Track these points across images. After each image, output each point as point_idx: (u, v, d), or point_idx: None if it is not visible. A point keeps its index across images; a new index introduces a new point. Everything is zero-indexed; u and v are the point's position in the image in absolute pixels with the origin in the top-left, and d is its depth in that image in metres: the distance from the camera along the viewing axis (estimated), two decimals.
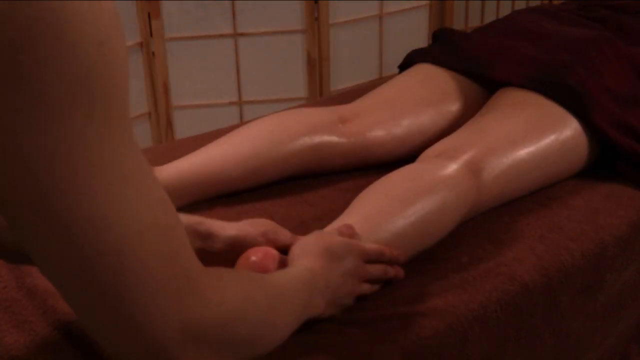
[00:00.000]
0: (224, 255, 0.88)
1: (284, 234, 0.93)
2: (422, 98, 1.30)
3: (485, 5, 2.56)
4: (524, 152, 1.12)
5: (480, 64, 1.33)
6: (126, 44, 0.51)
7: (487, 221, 1.10)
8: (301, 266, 0.81)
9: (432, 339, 0.89)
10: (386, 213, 0.98)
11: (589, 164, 1.23)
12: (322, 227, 1.04)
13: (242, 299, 0.61)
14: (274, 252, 0.88)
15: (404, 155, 1.24)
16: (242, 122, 1.65)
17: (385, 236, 0.96)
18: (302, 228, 1.11)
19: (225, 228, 0.88)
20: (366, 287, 0.90)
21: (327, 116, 1.24)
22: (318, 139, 1.20)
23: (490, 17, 2.54)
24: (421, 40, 2.40)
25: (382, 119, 1.25)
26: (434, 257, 1.01)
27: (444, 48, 1.41)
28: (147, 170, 0.52)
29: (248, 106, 2.25)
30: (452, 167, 1.06)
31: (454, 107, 1.30)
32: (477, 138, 1.13)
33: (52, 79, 0.44)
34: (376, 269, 0.91)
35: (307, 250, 0.85)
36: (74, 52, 0.45)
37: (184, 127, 2.18)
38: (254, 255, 0.86)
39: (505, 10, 2.52)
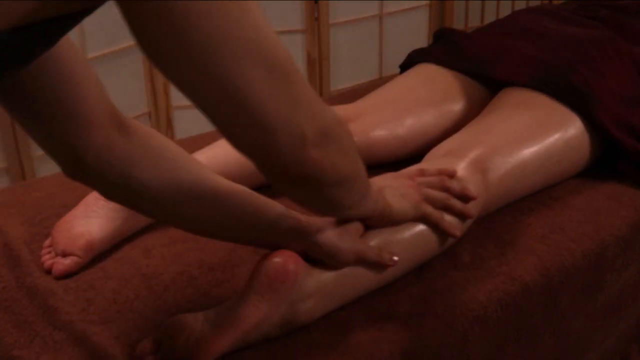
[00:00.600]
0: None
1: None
2: (424, 98, 1.30)
3: (485, 5, 2.56)
4: (529, 151, 1.12)
5: (482, 64, 1.33)
6: None
7: (489, 221, 1.10)
8: (374, 182, 0.90)
9: (432, 339, 0.89)
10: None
11: (591, 163, 1.23)
12: None
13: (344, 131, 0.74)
14: (297, 256, 0.88)
15: (406, 156, 1.24)
16: None
17: (401, 235, 0.95)
18: None
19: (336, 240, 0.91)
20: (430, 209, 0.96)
21: None
22: None
23: (490, 17, 2.54)
24: (421, 40, 2.40)
25: (385, 119, 1.25)
26: (435, 257, 1.01)
27: (445, 48, 1.41)
28: (265, 20, 0.61)
29: None
30: (460, 167, 1.06)
31: (456, 107, 1.30)
32: (483, 137, 1.13)
33: None
34: (432, 180, 0.99)
35: (378, 180, 0.96)
36: None
37: (184, 127, 2.18)
38: (278, 257, 0.86)
39: (505, 10, 2.52)
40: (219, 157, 1.16)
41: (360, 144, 1.22)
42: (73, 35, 0.72)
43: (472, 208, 1.00)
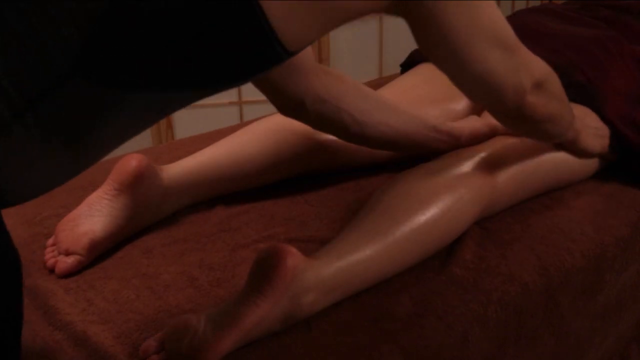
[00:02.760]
0: None
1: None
2: (426, 97, 1.30)
3: None
4: (536, 152, 1.12)
5: None
6: None
7: (489, 221, 1.10)
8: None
9: (432, 339, 0.89)
10: (404, 212, 0.98)
11: (600, 164, 1.22)
12: (322, 227, 1.04)
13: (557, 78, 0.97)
14: (296, 252, 0.88)
15: (407, 154, 1.24)
16: (242, 122, 1.65)
17: (404, 234, 0.96)
18: (302, 228, 1.11)
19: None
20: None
21: None
22: (322, 138, 1.20)
23: None
24: None
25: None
26: (436, 256, 1.02)
27: None
28: (499, 12, 0.81)
29: (248, 106, 2.25)
30: (467, 166, 1.06)
31: (458, 106, 1.30)
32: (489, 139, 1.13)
33: None
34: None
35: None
36: None
37: (184, 127, 2.18)
38: (275, 253, 0.86)
39: (505, 10, 2.52)
40: (219, 157, 1.17)
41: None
42: None
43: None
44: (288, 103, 1.01)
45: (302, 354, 0.85)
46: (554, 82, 0.95)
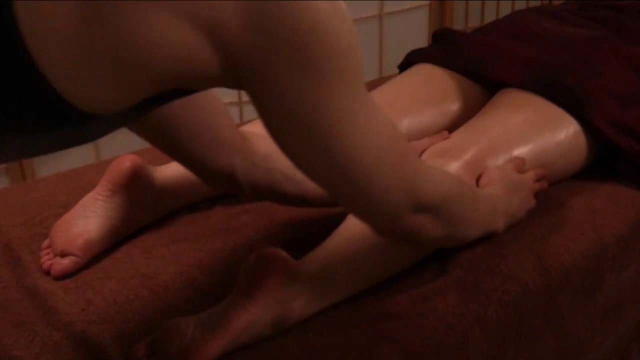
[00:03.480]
0: None
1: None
2: (422, 98, 1.30)
3: (485, 5, 2.56)
4: (524, 152, 1.13)
5: (480, 64, 1.33)
6: None
7: None
8: (488, 190, 1.02)
9: (432, 339, 0.89)
10: None
11: (588, 164, 1.23)
12: (322, 227, 1.04)
13: (456, 185, 0.88)
14: (285, 255, 0.88)
15: None
16: (242, 122, 1.65)
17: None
18: (302, 228, 1.11)
19: None
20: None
21: None
22: None
23: (490, 17, 2.54)
24: (421, 40, 2.40)
25: None
26: (435, 256, 1.01)
27: (444, 48, 1.41)
28: (377, 108, 0.73)
29: (248, 106, 2.24)
30: (454, 167, 1.06)
31: (454, 106, 1.30)
32: (479, 138, 1.13)
33: (327, 64, 0.63)
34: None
35: (492, 181, 1.04)
36: (341, 42, 0.64)
37: None
38: (264, 257, 0.87)
39: (505, 10, 2.52)
40: None
41: None
42: None
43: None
44: (218, 176, 0.93)
45: (300, 354, 0.85)
46: (454, 204, 0.86)
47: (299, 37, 0.61)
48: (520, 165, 1.10)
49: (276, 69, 0.62)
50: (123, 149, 1.25)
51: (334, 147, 0.68)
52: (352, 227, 0.97)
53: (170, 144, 0.89)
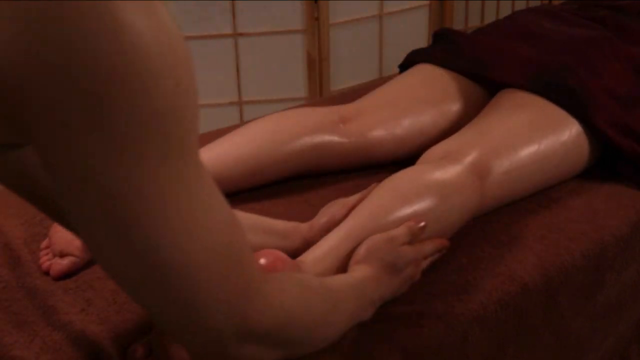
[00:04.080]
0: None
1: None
2: (422, 98, 1.30)
3: (485, 5, 2.56)
4: (526, 154, 1.13)
5: (481, 64, 1.33)
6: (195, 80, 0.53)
7: (488, 222, 1.10)
8: (359, 275, 0.87)
9: (432, 339, 0.89)
10: (393, 215, 0.98)
11: (590, 165, 1.23)
12: None
13: (300, 304, 0.68)
14: (284, 256, 0.88)
15: (405, 155, 1.24)
16: (242, 122, 1.65)
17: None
18: None
19: (302, 227, 1.00)
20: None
21: (327, 116, 1.24)
22: (319, 138, 1.20)
23: (490, 17, 2.54)
24: (421, 40, 2.40)
25: (383, 119, 1.25)
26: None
27: (444, 48, 1.41)
28: (215, 194, 0.58)
29: (248, 106, 2.25)
30: (457, 170, 1.06)
31: (454, 107, 1.30)
32: (480, 140, 1.13)
33: (130, 126, 0.47)
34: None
35: (370, 259, 0.90)
36: (151, 97, 0.47)
37: None
38: (264, 258, 0.86)
39: (505, 10, 2.52)
40: (218, 157, 1.17)
41: (358, 144, 1.22)
42: None
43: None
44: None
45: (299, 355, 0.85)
46: (298, 328, 0.68)
47: (93, 79, 0.45)
48: (416, 232, 0.94)
49: (62, 120, 0.46)
50: None
51: (139, 242, 0.51)
52: (351, 225, 0.98)
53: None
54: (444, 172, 1.05)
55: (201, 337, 0.59)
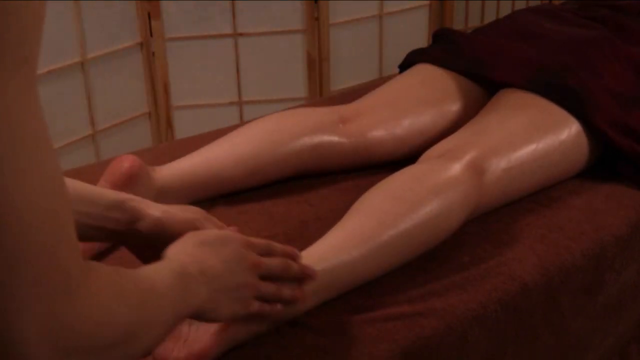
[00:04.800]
0: (148, 237, 0.84)
1: (211, 224, 0.89)
2: (422, 98, 1.30)
3: (485, 5, 2.56)
4: (525, 152, 1.13)
5: (481, 64, 1.33)
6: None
7: (488, 221, 1.10)
8: (169, 259, 0.73)
9: (432, 339, 0.89)
10: (392, 214, 0.98)
11: (589, 164, 1.23)
12: (322, 227, 1.04)
13: (115, 300, 0.55)
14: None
15: (405, 155, 1.24)
16: (242, 122, 1.65)
17: (390, 237, 0.96)
18: (302, 228, 1.11)
19: (151, 208, 0.86)
20: (269, 290, 0.81)
21: (327, 116, 1.24)
22: (318, 138, 1.20)
23: (490, 17, 2.54)
24: (421, 40, 2.40)
25: (383, 119, 1.25)
26: (435, 257, 1.01)
27: (444, 48, 1.41)
28: (43, 139, 0.45)
29: (248, 106, 2.25)
30: (455, 168, 1.06)
31: (454, 107, 1.30)
32: (479, 139, 1.13)
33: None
34: (274, 265, 0.82)
35: (179, 246, 0.76)
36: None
37: (184, 127, 2.18)
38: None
39: (505, 10, 2.52)
40: (217, 157, 1.17)
41: (358, 144, 1.22)
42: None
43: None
44: None
45: (299, 354, 0.85)
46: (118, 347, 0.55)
47: None
48: (265, 249, 0.82)
49: None
50: (123, 149, 1.25)
51: None
52: (349, 227, 0.98)
53: None
54: (442, 170, 1.06)
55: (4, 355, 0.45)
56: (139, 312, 0.59)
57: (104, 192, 0.85)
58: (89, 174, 1.29)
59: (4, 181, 0.42)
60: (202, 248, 0.75)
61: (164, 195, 1.11)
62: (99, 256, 1.04)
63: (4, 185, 0.42)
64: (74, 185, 0.81)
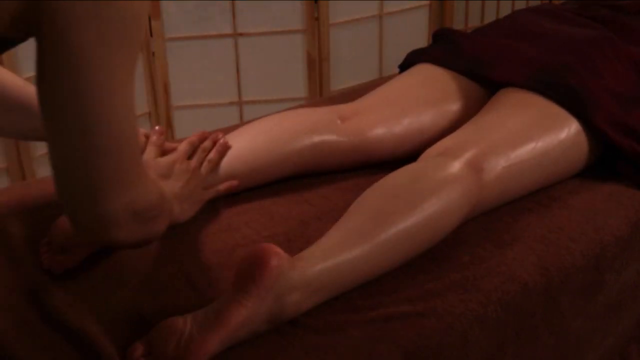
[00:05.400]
0: None
1: (150, 147, 1.12)
2: (422, 97, 1.30)
3: (485, 5, 2.56)
4: (525, 151, 1.13)
5: (481, 64, 1.33)
6: None
7: (488, 221, 1.10)
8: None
9: (432, 339, 0.89)
10: (391, 213, 0.98)
11: (589, 164, 1.23)
12: (322, 226, 1.04)
13: (157, 186, 0.84)
14: (278, 249, 0.88)
15: (404, 154, 1.24)
16: (242, 122, 1.65)
17: (390, 235, 0.96)
18: (302, 228, 1.11)
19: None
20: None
21: (327, 115, 1.24)
22: (318, 138, 1.20)
23: (490, 17, 2.54)
24: (421, 40, 2.40)
25: (383, 118, 1.25)
26: (435, 256, 1.01)
27: (444, 48, 1.41)
28: (132, 87, 0.73)
29: (248, 106, 2.25)
30: (454, 166, 1.06)
31: (454, 106, 1.30)
32: (479, 137, 1.13)
33: (120, 21, 0.67)
34: (201, 159, 1.12)
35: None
36: (133, 5, 0.67)
37: (184, 127, 2.18)
38: (260, 253, 0.87)
39: (505, 10, 2.52)
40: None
41: (358, 143, 1.22)
42: None
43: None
44: None
45: (299, 354, 0.85)
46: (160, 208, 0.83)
47: None
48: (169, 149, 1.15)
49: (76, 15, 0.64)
50: None
51: (89, 112, 0.68)
52: (350, 225, 0.98)
53: None
54: (441, 168, 1.06)
55: (94, 214, 0.72)
56: (163, 200, 0.85)
57: None
58: None
59: (115, 109, 0.70)
60: (162, 179, 1.06)
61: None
62: (98, 257, 1.04)
63: (114, 106, 0.70)
64: None
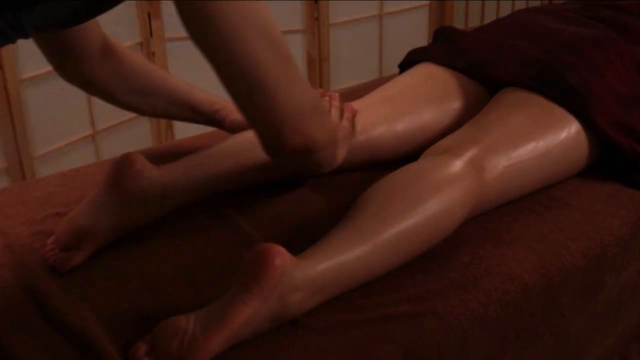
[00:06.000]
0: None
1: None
2: (423, 96, 1.30)
3: (485, 5, 2.57)
4: (525, 150, 1.13)
5: (482, 63, 1.33)
6: None
7: (488, 221, 1.10)
8: None
9: (432, 339, 0.89)
10: (393, 212, 0.98)
11: (590, 164, 1.23)
12: (323, 226, 1.04)
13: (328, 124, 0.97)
14: (281, 249, 0.88)
15: (405, 153, 1.24)
16: None
17: (392, 234, 0.96)
18: (303, 227, 1.11)
19: (234, 113, 1.27)
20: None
21: None
22: None
23: (490, 17, 2.54)
24: (421, 40, 2.40)
25: (384, 117, 1.25)
26: (435, 256, 1.02)
27: (445, 47, 1.41)
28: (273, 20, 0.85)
29: None
30: (456, 165, 1.06)
31: (455, 105, 1.30)
32: (480, 136, 1.13)
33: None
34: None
35: None
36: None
37: (184, 127, 2.17)
38: (263, 252, 0.87)
39: (505, 10, 2.52)
40: (219, 156, 1.17)
41: (359, 141, 1.22)
42: None
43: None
44: (67, 74, 1.15)
45: (300, 354, 0.85)
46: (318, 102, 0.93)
47: None
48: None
49: None
50: (123, 149, 1.25)
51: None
52: (352, 225, 0.98)
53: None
54: (442, 167, 1.06)
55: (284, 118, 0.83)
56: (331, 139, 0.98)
57: (200, 103, 1.29)
58: (90, 174, 1.29)
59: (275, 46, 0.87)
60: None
61: (168, 191, 1.11)
62: (100, 257, 1.05)
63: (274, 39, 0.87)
64: (186, 93, 1.30)
